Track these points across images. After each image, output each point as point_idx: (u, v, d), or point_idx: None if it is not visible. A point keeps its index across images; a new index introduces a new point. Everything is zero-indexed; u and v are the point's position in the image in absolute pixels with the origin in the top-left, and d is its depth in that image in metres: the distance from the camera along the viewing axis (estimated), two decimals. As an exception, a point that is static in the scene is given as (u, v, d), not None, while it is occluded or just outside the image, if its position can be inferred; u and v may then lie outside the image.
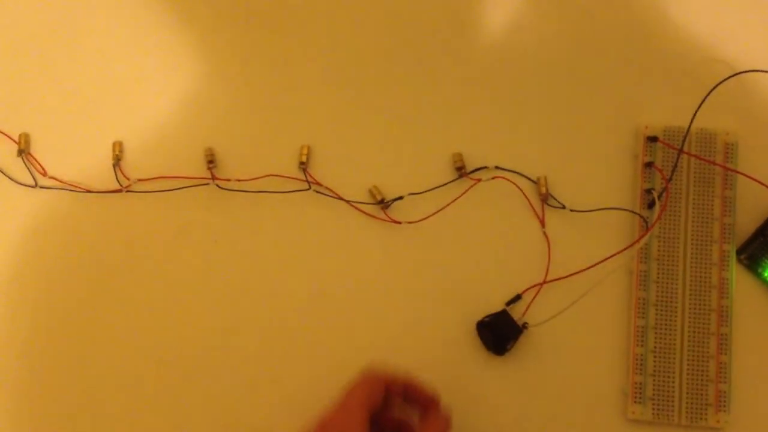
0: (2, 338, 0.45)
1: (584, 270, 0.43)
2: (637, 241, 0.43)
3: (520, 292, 0.44)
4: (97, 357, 0.45)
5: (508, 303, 0.44)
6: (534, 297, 0.43)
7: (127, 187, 0.46)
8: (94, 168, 0.46)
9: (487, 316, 0.43)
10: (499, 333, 0.42)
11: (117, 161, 0.46)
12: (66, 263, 0.46)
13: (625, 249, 0.43)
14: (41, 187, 0.46)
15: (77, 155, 0.47)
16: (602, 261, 0.42)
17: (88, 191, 0.46)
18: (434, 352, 0.43)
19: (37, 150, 0.47)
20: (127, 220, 0.46)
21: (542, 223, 0.44)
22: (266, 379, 0.44)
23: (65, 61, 0.48)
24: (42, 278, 0.46)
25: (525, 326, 0.43)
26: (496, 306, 0.43)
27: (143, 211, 0.46)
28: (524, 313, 0.43)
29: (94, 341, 0.45)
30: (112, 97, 0.47)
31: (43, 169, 0.47)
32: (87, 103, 0.47)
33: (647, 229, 0.43)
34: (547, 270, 0.44)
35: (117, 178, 0.46)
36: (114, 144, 0.46)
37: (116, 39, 0.48)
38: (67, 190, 0.46)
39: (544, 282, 0.44)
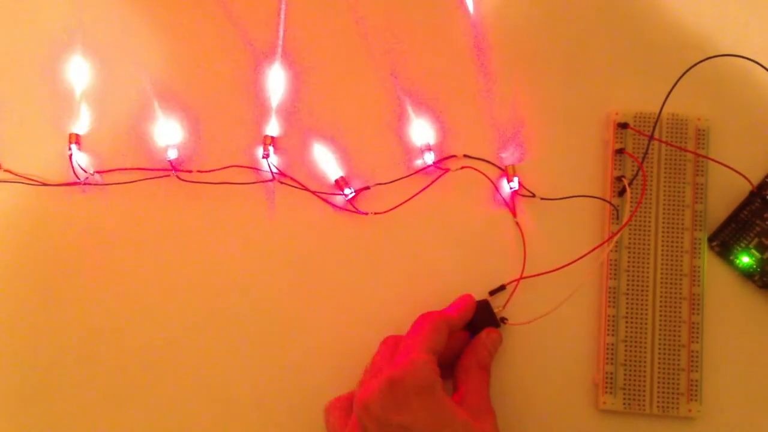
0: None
1: (564, 267, 0.42)
2: (614, 236, 0.42)
3: (494, 283, 0.43)
4: (52, 353, 0.43)
5: (492, 292, 0.43)
6: (512, 292, 0.43)
7: (85, 179, 0.45)
8: (51, 160, 0.45)
9: None
10: (476, 324, 0.41)
11: (74, 153, 0.45)
12: (22, 258, 0.44)
13: (602, 244, 0.42)
14: (-4, 181, 0.45)
15: (33, 147, 0.45)
16: (581, 258, 0.41)
17: (45, 184, 0.45)
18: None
19: (-9, 142, 0.45)
20: (86, 214, 0.44)
21: (513, 213, 0.44)
22: (229, 374, 0.43)
23: (20, 50, 0.46)
24: (-3, 275, 0.44)
25: (504, 320, 0.42)
26: (468, 298, 0.43)
27: (102, 204, 0.44)
28: (504, 307, 0.43)
29: (51, 337, 0.44)
30: (68, 88, 0.46)
31: (-3, 161, 0.45)
32: (42, 93, 0.46)
33: (624, 223, 0.42)
34: (524, 263, 0.43)
35: (74, 170, 0.45)
36: (71, 135, 0.45)
37: (73, 27, 0.46)
38: (22, 183, 0.45)
39: (521, 277, 0.43)
